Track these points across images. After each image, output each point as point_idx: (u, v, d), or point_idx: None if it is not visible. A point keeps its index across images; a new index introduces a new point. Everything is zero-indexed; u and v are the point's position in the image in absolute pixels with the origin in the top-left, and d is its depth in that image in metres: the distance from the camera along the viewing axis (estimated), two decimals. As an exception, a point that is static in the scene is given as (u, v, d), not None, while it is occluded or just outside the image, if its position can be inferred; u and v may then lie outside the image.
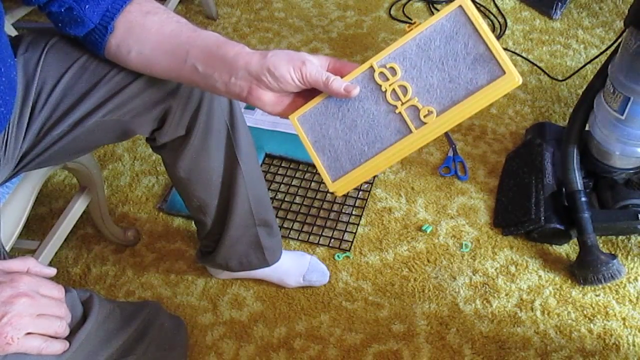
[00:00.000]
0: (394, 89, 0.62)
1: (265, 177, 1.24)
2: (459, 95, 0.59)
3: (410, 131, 0.61)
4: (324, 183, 1.36)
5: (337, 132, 0.64)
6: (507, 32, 1.70)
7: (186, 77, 0.67)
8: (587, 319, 1.10)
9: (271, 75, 0.61)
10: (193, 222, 1.28)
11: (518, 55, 1.62)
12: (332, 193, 1.34)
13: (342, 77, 0.63)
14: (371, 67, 0.63)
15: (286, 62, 0.61)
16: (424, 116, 0.60)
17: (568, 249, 1.20)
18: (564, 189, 1.17)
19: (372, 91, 0.63)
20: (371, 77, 0.63)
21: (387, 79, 0.62)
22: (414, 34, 0.61)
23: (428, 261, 1.21)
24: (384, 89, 0.62)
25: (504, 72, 0.57)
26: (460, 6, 0.59)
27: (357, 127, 0.63)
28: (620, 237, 1.21)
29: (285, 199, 1.35)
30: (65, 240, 1.11)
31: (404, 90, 0.61)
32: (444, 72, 0.60)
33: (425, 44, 0.61)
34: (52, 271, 0.63)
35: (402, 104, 0.61)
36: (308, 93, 0.65)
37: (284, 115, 0.66)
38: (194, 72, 0.65)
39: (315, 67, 0.61)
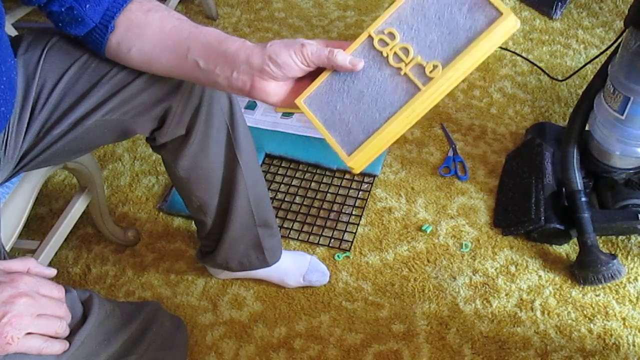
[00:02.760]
0: (395, 52, 0.61)
1: (265, 177, 1.24)
2: (461, 44, 0.58)
3: (419, 89, 0.59)
4: (324, 183, 1.36)
5: (346, 105, 0.63)
6: (507, 32, 1.70)
7: (188, 73, 0.67)
8: (587, 319, 1.10)
9: (274, 64, 0.61)
10: (193, 222, 1.28)
11: (518, 55, 1.62)
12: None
13: None
14: (369, 36, 0.62)
15: (286, 48, 0.61)
16: (430, 72, 0.59)
17: (568, 249, 1.20)
18: (564, 189, 1.17)
19: (374, 58, 0.62)
20: (371, 46, 0.62)
21: (387, 44, 0.61)
22: None
23: (428, 261, 1.21)
24: (385, 54, 0.61)
25: (501, 13, 0.57)
26: None
27: (364, 97, 0.62)
28: (620, 237, 1.21)
29: (285, 199, 1.35)
30: (65, 240, 1.11)
31: (406, 51, 0.61)
32: (442, 26, 0.59)
33: (418, 4, 0.61)
34: (52, 272, 0.63)
35: (406, 64, 0.60)
36: (309, 78, 0.65)
37: (289, 103, 0.65)
38: (195, 68, 0.65)
39: (315, 46, 0.61)
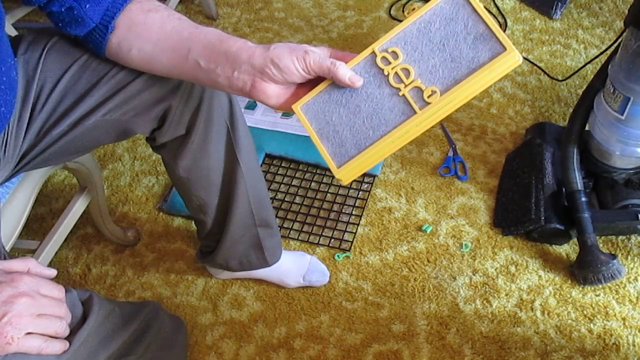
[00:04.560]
0: (396, 72, 0.61)
1: (265, 177, 1.24)
2: (462, 74, 0.59)
3: (415, 112, 0.60)
4: (324, 183, 1.36)
5: (341, 118, 0.63)
6: (507, 32, 1.70)
7: (188, 73, 0.67)
8: (587, 319, 1.10)
9: (275, 67, 0.61)
10: (193, 222, 1.28)
11: (518, 55, 1.62)
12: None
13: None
14: (373, 52, 0.63)
15: (289, 52, 0.61)
16: (428, 96, 0.60)
17: (568, 249, 1.20)
18: (564, 189, 1.17)
19: (375, 76, 0.63)
20: (373, 62, 0.63)
21: (389, 63, 0.62)
22: (414, 18, 0.62)
23: (428, 261, 1.21)
24: (386, 73, 0.62)
25: (505, 49, 0.58)
26: None
27: (361, 112, 0.63)
28: (620, 237, 1.21)
29: (285, 199, 1.35)
30: (65, 240, 1.11)
31: (407, 72, 0.61)
32: (446, 53, 0.60)
33: (425, 27, 0.61)
34: (53, 272, 0.63)
35: (405, 86, 0.61)
36: (310, 85, 0.65)
37: (288, 107, 0.65)
38: (196, 67, 0.65)
39: (318, 55, 0.62)
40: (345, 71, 0.61)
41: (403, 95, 0.61)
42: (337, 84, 0.63)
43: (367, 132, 0.62)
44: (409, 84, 0.61)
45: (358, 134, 0.63)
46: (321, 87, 0.64)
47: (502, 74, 0.59)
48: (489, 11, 1.78)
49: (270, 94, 0.64)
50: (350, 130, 0.63)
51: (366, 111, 0.62)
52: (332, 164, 0.64)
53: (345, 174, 0.63)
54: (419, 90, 0.60)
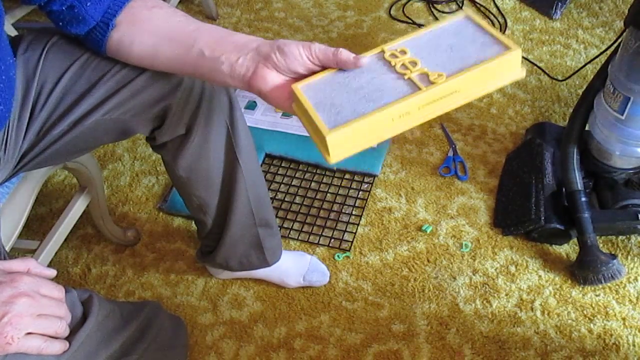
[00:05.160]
0: (403, 63, 0.62)
1: (265, 177, 1.24)
2: (469, 65, 0.60)
3: (419, 88, 0.59)
4: (324, 183, 1.36)
5: (342, 96, 0.62)
6: (507, 32, 1.71)
7: (189, 64, 0.67)
8: (587, 319, 1.10)
9: (280, 52, 0.62)
10: (193, 222, 1.28)
11: (518, 55, 1.62)
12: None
13: None
14: (382, 50, 0.64)
15: (295, 42, 0.63)
16: (434, 78, 0.60)
17: (568, 249, 1.20)
18: (564, 189, 1.17)
19: (382, 67, 0.63)
20: (381, 57, 0.64)
21: (397, 57, 0.63)
22: (423, 32, 0.64)
23: (428, 261, 1.21)
24: (393, 64, 0.63)
25: (510, 48, 0.60)
26: (466, 16, 0.64)
27: (363, 90, 0.62)
28: (620, 237, 1.21)
29: (285, 199, 1.35)
30: (65, 240, 1.11)
31: (414, 64, 0.62)
32: (453, 53, 0.62)
33: (434, 37, 0.64)
34: (53, 272, 0.63)
35: (412, 72, 0.61)
36: None
37: (283, 98, 0.64)
38: (199, 58, 0.66)
39: (323, 45, 0.63)
40: (349, 53, 0.62)
41: (409, 78, 0.61)
42: (340, 72, 0.63)
43: (366, 104, 0.60)
44: (416, 70, 0.61)
45: (357, 107, 0.60)
46: (323, 73, 0.64)
47: (509, 71, 0.60)
48: (490, 12, 1.78)
49: (269, 81, 0.63)
50: (349, 102, 0.60)
51: (368, 89, 0.62)
52: (323, 127, 0.58)
53: (336, 140, 0.57)
54: (425, 74, 0.61)
